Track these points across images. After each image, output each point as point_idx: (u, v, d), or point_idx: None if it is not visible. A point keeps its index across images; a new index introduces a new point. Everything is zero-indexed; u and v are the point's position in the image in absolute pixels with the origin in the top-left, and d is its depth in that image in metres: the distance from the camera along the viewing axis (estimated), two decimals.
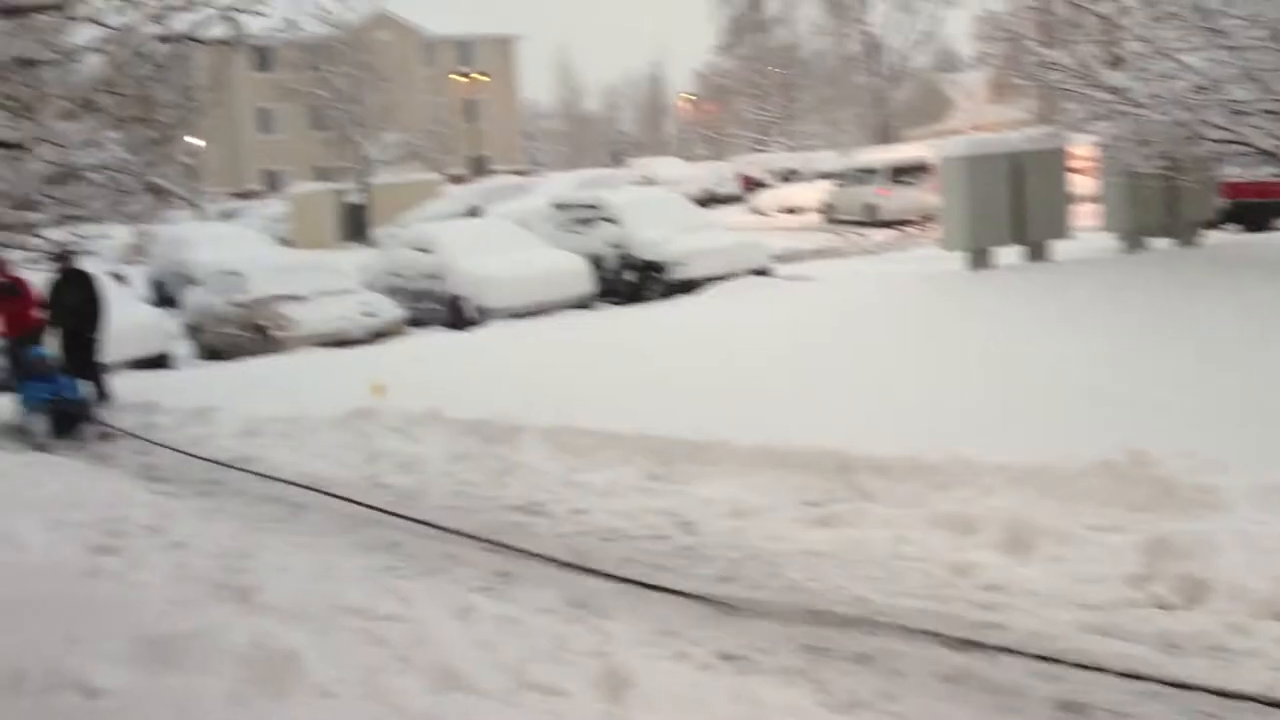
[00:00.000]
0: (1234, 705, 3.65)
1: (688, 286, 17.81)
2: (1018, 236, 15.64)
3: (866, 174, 32.24)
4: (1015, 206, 15.44)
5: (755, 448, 7.32)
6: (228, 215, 42.04)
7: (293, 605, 5.51)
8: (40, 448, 10.94)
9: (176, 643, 5.01)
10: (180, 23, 5.08)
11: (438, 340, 15.67)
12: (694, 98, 73.38)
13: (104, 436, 11.35)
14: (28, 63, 5.01)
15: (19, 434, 11.64)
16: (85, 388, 13.05)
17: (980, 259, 15.47)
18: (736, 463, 7.25)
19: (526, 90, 79.57)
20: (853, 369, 9.48)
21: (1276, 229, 17.45)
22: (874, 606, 4.98)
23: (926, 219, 29.62)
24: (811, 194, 35.11)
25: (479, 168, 57.17)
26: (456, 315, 17.54)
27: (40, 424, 11.47)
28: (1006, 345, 9.86)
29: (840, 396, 8.56)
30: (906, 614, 4.85)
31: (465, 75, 60.79)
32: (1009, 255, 15.58)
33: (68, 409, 11.71)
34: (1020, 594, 4.93)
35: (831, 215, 32.76)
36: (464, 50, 68.86)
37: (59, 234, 7.14)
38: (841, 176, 33.69)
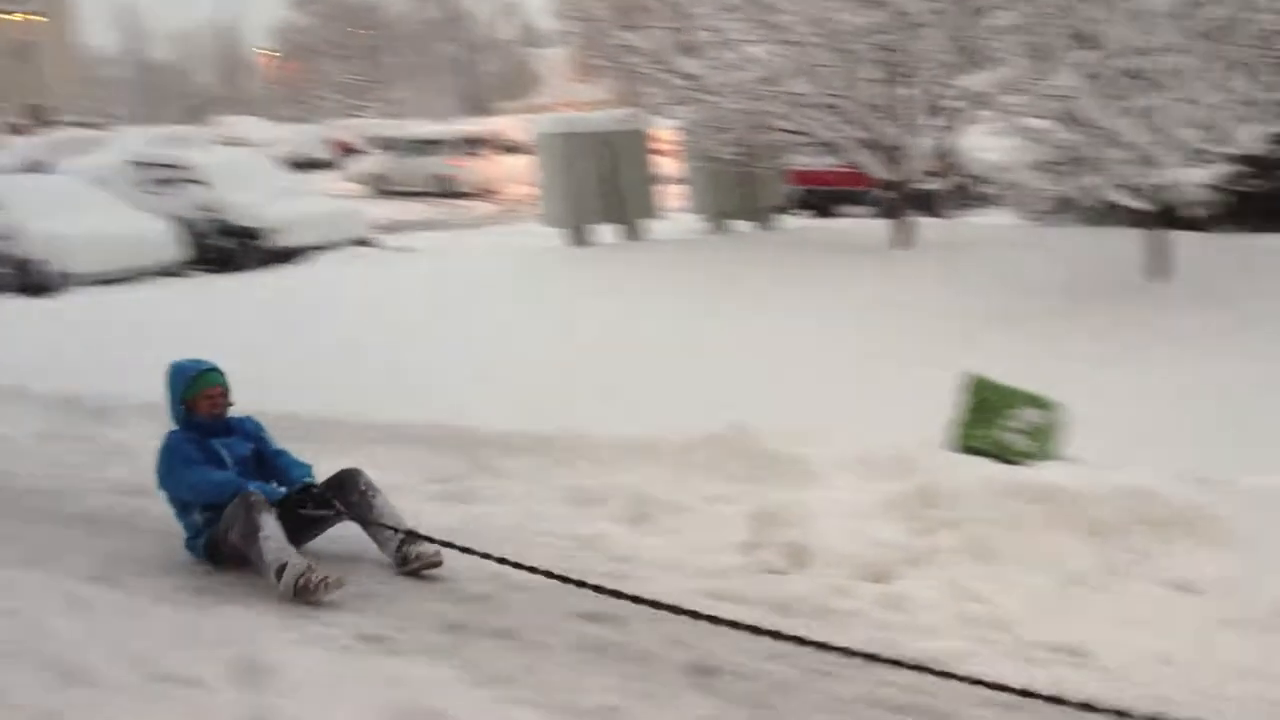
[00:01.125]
0: (845, 662, 4.07)
1: (286, 255, 17.27)
2: (614, 215, 16.30)
3: (429, 145, 32.40)
4: (608, 186, 16.07)
5: (383, 425, 7.33)
6: None
7: None
8: None
9: None
10: None
11: (11, 307, 14.37)
12: (274, 54, 70.72)
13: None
14: None
15: None
16: None
17: (579, 236, 16.03)
18: (364, 440, 7.21)
19: (86, 35, 74.09)
20: (469, 343, 9.63)
21: (842, 215, 19.12)
22: (509, 581, 5.12)
23: (491, 191, 30.43)
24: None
25: (39, 117, 52.61)
26: (29, 280, 16.18)
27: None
28: (611, 321, 10.32)
29: (458, 371, 8.69)
30: (538, 585, 5.00)
31: (10, 14, 55.80)
32: (606, 233, 16.23)
33: None
34: (645, 564, 5.23)
35: (383, 186, 32.40)
36: None
37: None
38: (399, 148, 33.48)
